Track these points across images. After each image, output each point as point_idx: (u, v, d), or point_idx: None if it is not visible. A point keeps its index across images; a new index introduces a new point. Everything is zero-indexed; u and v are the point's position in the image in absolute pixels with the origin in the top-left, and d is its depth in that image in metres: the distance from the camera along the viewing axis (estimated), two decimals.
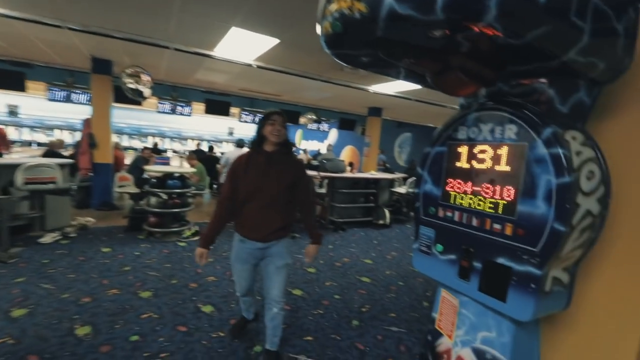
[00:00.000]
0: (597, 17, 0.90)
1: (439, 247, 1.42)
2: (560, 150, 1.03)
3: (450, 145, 1.40)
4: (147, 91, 5.63)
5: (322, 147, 16.47)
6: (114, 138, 6.56)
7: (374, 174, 6.33)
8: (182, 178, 4.51)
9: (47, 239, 3.96)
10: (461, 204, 1.34)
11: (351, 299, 3.03)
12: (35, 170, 3.70)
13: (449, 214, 1.39)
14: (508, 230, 1.17)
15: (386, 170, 8.10)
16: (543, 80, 1.15)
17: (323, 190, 6.11)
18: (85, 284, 2.93)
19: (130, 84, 5.15)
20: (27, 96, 8.90)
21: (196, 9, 3.06)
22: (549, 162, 1.06)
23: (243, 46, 4.04)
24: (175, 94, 8.76)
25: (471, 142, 1.31)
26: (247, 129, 15.45)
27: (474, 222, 1.29)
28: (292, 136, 18.46)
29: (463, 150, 1.34)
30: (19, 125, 11.24)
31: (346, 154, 14.87)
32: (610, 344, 1.18)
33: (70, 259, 3.47)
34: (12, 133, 10.87)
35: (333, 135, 15.51)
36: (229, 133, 14.96)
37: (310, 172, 5.52)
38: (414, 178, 6.39)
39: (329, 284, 3.33)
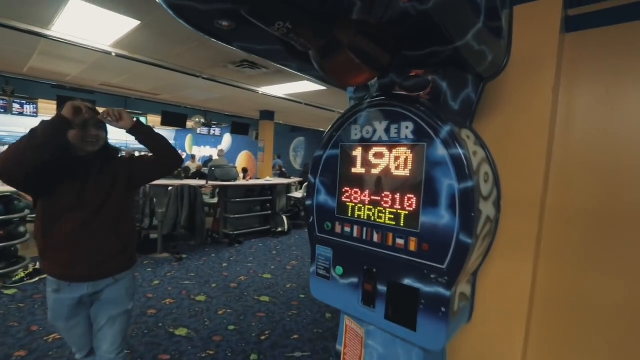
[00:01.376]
0: (489, 4, 0.80)
1: (339, 269, 1.19)
2: (460, 151, 0.91)
3: (343, 148, 1.18)
4: None
5: (214, 152, 15.36)
6: None
7: (269, 180, 6.03)
8: (7, 199, 3.30)
9: None
10: (360, 216, 1.14)
11: (248, 327, 2.63)
12: None
13: (347, 229, 1.17)
14: (412, 246, 1.00)
15: (282, 175, 7.91)
16: (435, 72, 1.02)
17: (214, 201, 5.49)
18: None
19: None
20: None
21: None
22: (449, 164, 0.92)
23: (92, 26, 3.19)
24: (9, 87, 6.72)
25: (365, 144, 1.12)
26: (121, 135, 13.22)
27: (375, 237, 1.09)
28: (181, 142, 16.65)
29: (357, 152, 1.14)
30: None
31: (242, 159, 14.20)
32: (502, 339, 1.14)
33: None
34: None
35: (226, 140, 14.64)
36: None
37: (198, 182, 4.85)
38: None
39: (222, 312, 2.86)
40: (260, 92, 5.57)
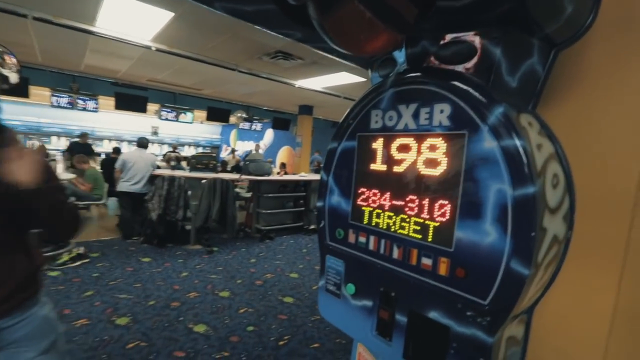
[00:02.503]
0: None
1: (350, 288, 0.97)
2: (518, 143, 0.64)
3: (360, 139, 0.96)
4: (13, 76, 4.41)
5: (255, 147, 15.70)
6: None
7: (302, 176, 5.90)
8: None
9: None
10: (378, 224, 0.90)
11: (268, 330, 2.50)
12: None
13: (362, 239, 0.95)
14: (442, 269, 0.75)
15: (316, 171, 7.76)
16: (485, 35, 0.75)
17: (249, 195, 5.49)
18: None
19: None
20: None
21: None
22: (500, 161, 0.66)
23: (131, 21, 3.25)
24: (75, 84, 7.33)
25: (388, 133, 0.88)
26: (174, 128, 14.02)
27: (395, 253, 0.86)
28: (227, 136, 17.23)
29: (377, 145, 0.91)
30: None
31: (282, 154, 14.33)
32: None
33: None
34: None
35: (269, 135, 14.87)
36: (153, 132, 13.40)
37: (231, 176, 4.86)
38: None
39: (243, 311, 2.76)
40: (296, 86, 5.44)
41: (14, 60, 4.42)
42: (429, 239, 0.78)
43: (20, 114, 9.53)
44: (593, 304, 0.80)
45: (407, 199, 0.84)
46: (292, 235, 5.26)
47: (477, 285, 0.68)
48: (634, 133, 0.76)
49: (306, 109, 7.55)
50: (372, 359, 1.01)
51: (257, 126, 11.72)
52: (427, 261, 0.78)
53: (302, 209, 5.46)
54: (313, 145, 8.20)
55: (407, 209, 0.84)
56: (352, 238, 1.00)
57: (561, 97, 0.87)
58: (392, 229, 0.87)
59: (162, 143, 14.01)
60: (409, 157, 0.84)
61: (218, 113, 8.37)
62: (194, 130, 15.02)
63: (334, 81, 5.01)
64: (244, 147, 15.94)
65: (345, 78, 4.78)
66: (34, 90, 6.15)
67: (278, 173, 5.55)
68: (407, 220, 0.83)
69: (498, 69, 0.76)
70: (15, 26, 3.62)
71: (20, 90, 5.52)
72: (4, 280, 0.91)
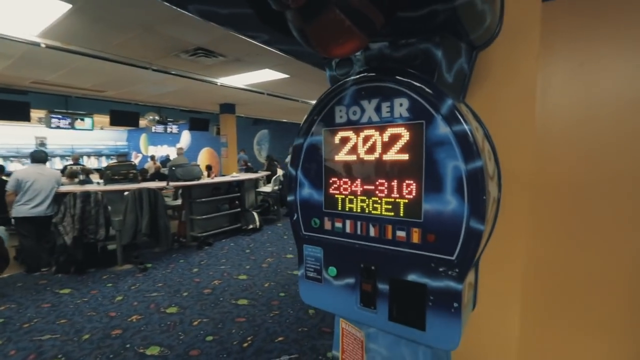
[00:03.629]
0: None
1: (332, 270, 1.06)
2: (466, 127, 0.80)
3: (326, 133, 1.04)
4: None
5: (172, 151, 14.53)
6: None
7: (235, 176, 5.74)
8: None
9: None
10: (352, 209, 1.01)
11: (229, 335, 2.45)
12: None
13: (338, 224, 1.04)
14: (415, 238, 0.89)
15: (249, 170, 7.61)
16: (428, 40, 0.90)
17: (177, 203, 5.13)
18: None
19: None
20: None
21: None
22: (454, 143, 0.82)
23: (12, 11, 2.72)
24: None
25: (353, 126, 0.98)
26: (66, 137, 12.06)
27: (372, 231, 0.97)
28: (135, 142, 15.46)
29: (344, 137, 1.00)
30: None
31: (204, 156, 13.56)
32: (498, 320, 1.09)
33: None
34: None
35: (185, 137, 13.89)
36: (39, 144, 11.32)
37: (158, 184, 4.47)
38: (277, 175, 6.16)
39: (198, 323, 2.64)
40: (219, 84, 5.22)
41: None
42: (401, 214, 0.91)
43: None
44: (513, 251, 1.05)
45: (377, 183, 0.96)
46: (231, 238, 5.11)
47: (446, 246, 0.84)
48: (527, 113, 1.01)
49: (228, 108, 7.28)
50: (357, 330, 1.13)
51: (173, 128, 10.85)
52: (401, 233, 0.92)
53: (239, 209, 5.33)
54: (238, 144, 7.96)
55: (378, 192, 0.96)
56: (328, 225, 1.08)
57: (474, 87, 1.09)
58: (367, 211, 0.98)
59: (52, 156, 12.00)
60: (375, 146, 0.95)
61: (124, 116, 7.50)
62: (92, 137, 13.15)
63: (257, 78, 4.96)
64: (156, 152, 14.57)
65: (268, 75, 4.77)
66: None
67: (208, 176, 5.29)
68: (379, 201, 0.95)
69: (440, 68, 0.92)
70: None
71: None
72: None
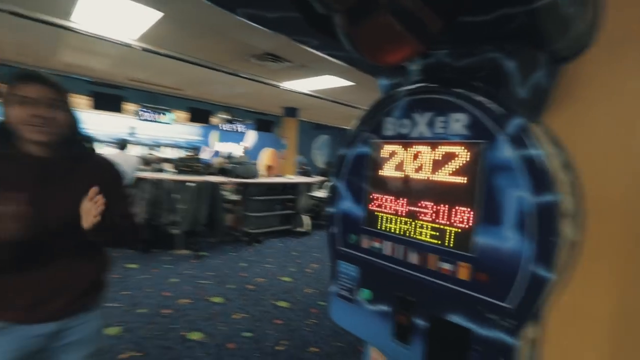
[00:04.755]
0: None
1: (366, 293, 0.98)
2: (537, 152, 0.67)
3: (373, 146, 0.97)
4: None
5: (236, 149, 15.50)
6: None
7: (290, 178, 5.88)
8: None
9: None
10: (393, 230, 0.92)
11: (264, 335, 2.48)
12: None
13: (376, 244, 0.97)
14: (463, 274, 0.78)
15: (305, 173, 7.75)
16: (498, 49, 0.78)
17: (237, 197, 5.42)
18: None
19: None
20: None
21: None
22: (520, 169, 0.69)
23: (115, 18, 3.14)
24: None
25: (402, 140, 0.90)
26: (152, 129, 13.63)
27: (413, 258, 0.88)
28: (206, 138, 16.88)
29: (391, 151, 0.93)
30: None
31: (265, 156, 14.21)
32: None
33: None
34: None
35: (250, 136, 14.71)
36: (130, 134, 12.98)
37: (219, 178, 4.77)
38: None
39: (238, 317, 2.73)
40: (282, 88, 5.42)
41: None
42: (448, 244, 0.80)
43: None
44: (593, 305, 0.85)
45: (424, 205, 0.86)
46: (280, 238, 5.24)
47: (500, 289, 0.71)
48: (626, 137, 0.81)
49: (291, 111, 7.53)
50: None
51: (240, 128, 11.59)
52: (446, 266, 0.81)
53: (291, 211, 5.45)
54: (298, 147, 8.18)
55: (423, 214, 0.86)
56: (365, 243, 1.01)
57: (557, 110, 0.91)
58: (409, 234, 0.89)
59: (139, 144, 13.61)
60: (424, 164, 0.86)
61: (199, 114, 8.21)
62: (173, 131, 14.66)
63: (320, 84, 5.03)
64: (224, 148, 15.69)
65: (332, 81, 4.81)
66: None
67: (268, 176, 5.51)
68: (424, 226, 0.85)
69: (510, 81, 0.79)
70: None
71: None
72: (74, 283, 1.00)
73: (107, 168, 1.10)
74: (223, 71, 4.59)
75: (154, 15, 2.98)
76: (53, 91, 0.92)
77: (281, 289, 3.34)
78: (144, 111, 8.20)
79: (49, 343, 0.99)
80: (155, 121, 8.49)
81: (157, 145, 14.44)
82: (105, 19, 3.18)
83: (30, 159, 0.93)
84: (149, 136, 14.87)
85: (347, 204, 1.06)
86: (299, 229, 5.38)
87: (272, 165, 7.76)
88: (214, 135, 16.57)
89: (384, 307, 0.94)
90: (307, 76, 4.72)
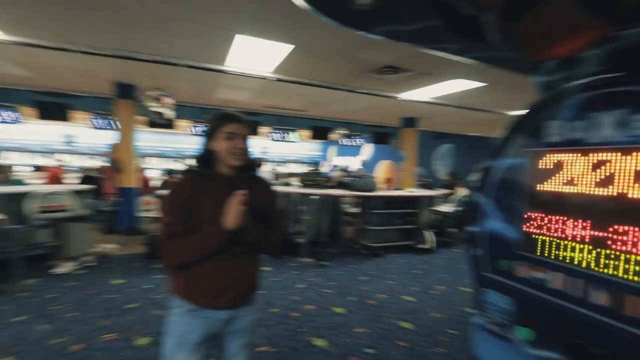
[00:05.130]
0: None
1: (526, 332, 0.81)
2: None
3: (532, 155, 0.81)
4: (168, 113, 5.56)
5: (354, 162, 15.94)
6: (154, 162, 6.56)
7: (411, 191, 5.64)
8: None
9: (63, 269, 3.81)
10: (563, 258, 0.74)
11: (386, 355, 2.39)
12: (49, 198, 3.57)
13: (539, 274, 0.79)
14: None
15: (427, 186, 7.32)
16: None
17: (356, 210, 5.54)
18: (83, 325, 2.61)
19: (152, 107, 5.09)
20: (77, 125, 9.47)
21: (190, 16, 2.77)
22: None
23: (255, 56, 3.72)
24: (207, 116, 8.80)
25: (576, 147, 0.72)
26: (279, 148, 15.51)
27: (600, 298, 0.68)
28: (325, 153, 18.09)
29: (559, 161, 0.75)
30: (74, 153, 12.25)
31: (382, 169, 14.15)
32: None
33: (77, 294, 3.22)
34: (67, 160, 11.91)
35: (367, 150, 14.94)
36: (264, 152, 15.08)
37: (340, 192, 4.98)
38: (462, 194, 5.61)
39: (360, 331, 2.72)
40: (400, 99, 5.32)
41: (170, 100, 5.59)
42: None
43: (169, 142, 11.67)
44: None
45: (615, 229, 0.66)
46: (401, 254, 5.04)
47: None
48: None
49: (410, 122, 7.30)
50: None
51: (358, 141, 11.93)
52: None
53: (412, 226, 5.20)
54: (417, 158, 7.82)
55: (615, 242, 0.66)
56: (522, 272, 0.84)
57: None
58: (592, 266, 0.69)
59: (269, 161, 15.62)
60: (614, 177, 0.66)
61: (320, 131, 8.86)
62: (296, 148, 16.29)
63: (444, 90, 4.71)
64: (341, 162, 16.38)
65: (457, 85, 4.44)
66: (179, 122, 7.57)
67: (387, 189, 5.45)
68: (618, 257, 0.65)
69: None
70: (168, 73, 4.53)
71: (168, 125, 6.68)
72: (244, 279, 1.22)
73: (268, 186, 1.35)
74: (343, 89, 4.84)
75: (287, 49, 3.39)
76: (246, 127, 1.20)
77: (404, 309, 3.18)
78: (275, 132, 9.37)
79: (223, 328, 1.23)
80: (283, 140, 9.56)
81: (283, 162, 16.30)
82: (249, 58, 3.80)
83: (223, 177, 1.20)
84: (277, 154, 16.85)
85: (494, 224, 0.91)
86: (421, 246, 5.07)
87: (390, 177, 7.66)
88: (332, 150, 17.59)
89: (553, 355, 0.75)
90: (428, 83, 4.51)
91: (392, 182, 7.53)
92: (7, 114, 6.05)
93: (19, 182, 5.04)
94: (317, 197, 4.49)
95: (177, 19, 2.82)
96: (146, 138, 8.85)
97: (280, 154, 16.26)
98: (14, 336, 2.42)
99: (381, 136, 9.36)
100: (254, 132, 8.11)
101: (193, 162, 1.25)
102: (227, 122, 1.17)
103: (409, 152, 7.41)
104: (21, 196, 3.74)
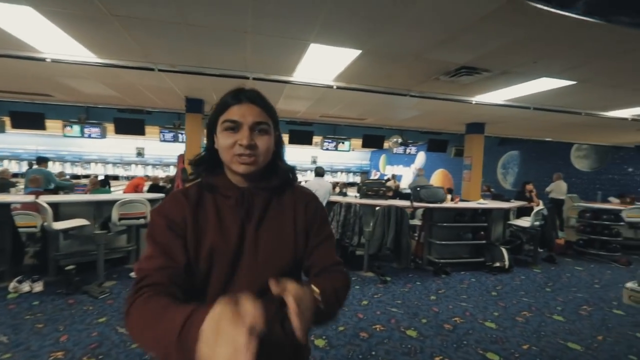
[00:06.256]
0: None
1: None
2: None
3: None
4: None
5: (407, 171, 15.34)
6: None
7: (483, 203, 5.14)
8: None
9: None
10: None
11: None
12: (127, 207, 3.81)
13: None
14: None
15: (496, 197, 6.68)
16: None
17: (416, 222, 5.19)
18: None
19: None
20: (148, 139, 10.41)
21: (268, 28, 2.76)
22: None
23: (322, 65, 3.64)
24: None
25: None
26: (328, 157, 15.51)
27: None
28: (375, 161, 17.70)
29: None
30: (144, 164, 13.54)
31: (437, 178, 13.42)
32: None
33: None
34: (140, 171, 13.18)
35: (420, 158, 14.30)
36: (312, 162, 15.18)
37: (404, 203, 4.69)
38: (540, 207, 4.98)
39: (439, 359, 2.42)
40: (471, 102, 4.90)
41: None
42: None
43: None
44: None
45: None
46: (472, 272, 4.57)
47: None
48: None
49: (476, 127, 6.74)
50: None
51: (412, 150, 11.45)
52: None
53: (483, 241, 4.71)
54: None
55: None
56: None
57: None
58: None
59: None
60: None
61: (373, 139, 8.62)
62: (345, 157, 16.14)
63: (525, 91, 4.22)
64: (392, 171, 15.87)
65: (542, 85, 3.96)
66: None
67: (451, 200, 5.04)
68: None
69: None
70: (235, 86, 4.67)
71: None
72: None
73: (311, 203, 0.88)
74: (409, 95, 4.59)
75: (352, 54, 3.26)
76: (258, 110, 0.79)
77: (487, 337, 2.80)
78: (327, 142, 9.31)
79: None
80: (336, 150, 9.47)
81: (333, 171, 16.24)
82: (316, 67, 3.74)
83: (236, 190, 0.80)
84: (328, 163, 16.83)
85: None
86: (495, 264, 4.56)
87: (449, 187, 7.15)
88: (383, 159, 17.15)
89: None
90: (506, 85, 4.08)
91: (451, 192, 6.98)
92: (94, 130, 6.78)
93: (104, 191, 5.54)
94: (380, 207, 4.25)
95: (254, 32, 2.85)
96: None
97: (328, 163, 16.25)
98: (98, 338, 2.54)
99: (438, 143, 8.84)
100: (308, 141, 8.13)
101: (193, 167, 0.85)
102: (226, 104, 0.77)
103: (474, 159, 6.83)
104: (104, 204, 4.06)
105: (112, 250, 4.13)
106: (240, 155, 0.74)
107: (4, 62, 3.76)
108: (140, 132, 6.97)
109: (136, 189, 6.33)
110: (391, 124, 8.17)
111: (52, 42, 3.17)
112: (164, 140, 7.41)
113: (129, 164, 13.59)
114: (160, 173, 12.58)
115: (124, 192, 6.19)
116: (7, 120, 6.21)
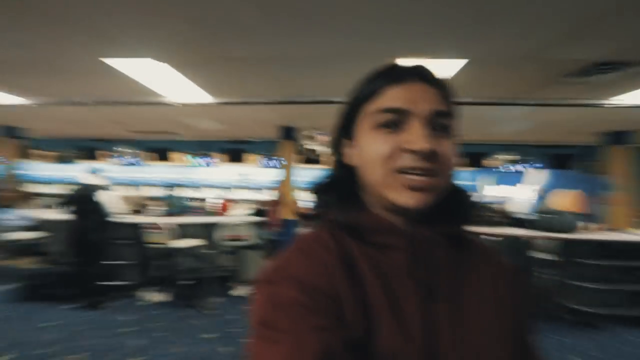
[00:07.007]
0: None
1: None
2: None
3: None
4: (320, 149, 5.95)
5: (514, 192, 13.23)
6: None
7: (637, 234, 3.92)
8: None
9: (240, 291, 4.29)
10: None
11: None
12: (231, 228, 4.13)
13: None
14: None
15: None
16: None
17: (547, 257, 4.24)
18: None
19: (306, 145, 5.50)
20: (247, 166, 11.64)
21: (353, 52, 2.70)
22: None
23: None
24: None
25: None
26: None
27: None
28: (473, 182, 15.86)
29: None
30: (247, 188, 15.00)
31: (564, 201, 11.16)
32: None
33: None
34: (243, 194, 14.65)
35: (533, 176, 12.23)
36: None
37: (517, 231, 3.91)
38: None
39: None
40: (608, 105, 3.91)
41: (325, 137, 5.92)
42: None
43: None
44: None
45: None
46: (630, 330, 3.44)
47: None
48: None
49: (618, 137, 5.35)
50: None
51: (521, 167, 9.91)
52: None
53: None
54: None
55: None
56: None
57: None
58: None
59: None
60: None
61: (472, 158, 7.81)
62: None
63: None
64: (497, 192, 13.90)
65: None
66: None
67: (585, 228, 3.99)
68: None
69: None
70: (323, 111, 4.68)
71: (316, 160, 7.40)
72: None
73: (517, 274, 0.52)
74: (520, 104, 3.92)
75: (456, 65, 2.92)
76: (439, 94, 0.48)
77: None
78: None
79: None
80: None
81: None
82: None
83: (401, 235, 0.45)
84: None
85: None
86: None
87: (585, 212, 5.78)
88: (483, 179, 15.28)
89: None
90: None
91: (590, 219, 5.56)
92: (204, 160, 8.23)
93: (182, 206, 6.08)
94: (499, 239, 3.60)
95: (339, 59, 2.86)
96: (302, 173, 9.76)
97: None
98: (203, 354, 2.65)
99: (559, 159, 7.43)
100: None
101: (319, 195, 0.52)
102: (376, 85, 0.46)
103: (619, 177, 5.38)
104: (210, 225, 4.47)
105: (218, 268, 4.49)
106: (411, 171, 0.41)
107: (141, 108, 4.60)
108: (240, 159, 8.29)
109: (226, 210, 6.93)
110: (493, 139, 7.24)
111: (176, 88, 3.74)
112: (266, 167, 8.31)
113: (232, 187, 15.20)
114: (264, 197, 13.56)
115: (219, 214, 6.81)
116: (142, 154, 8.13)
